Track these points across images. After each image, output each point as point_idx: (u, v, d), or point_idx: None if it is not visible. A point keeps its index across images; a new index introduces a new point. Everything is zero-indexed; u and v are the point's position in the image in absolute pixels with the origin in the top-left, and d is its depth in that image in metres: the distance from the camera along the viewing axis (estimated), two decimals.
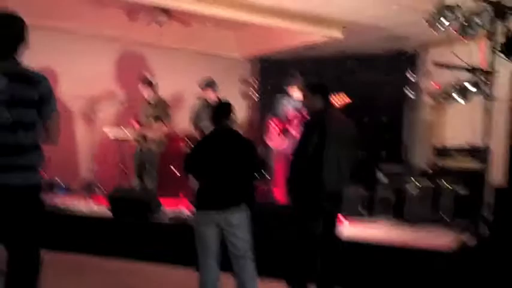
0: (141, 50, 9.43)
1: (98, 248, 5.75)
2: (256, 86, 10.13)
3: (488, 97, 4.47)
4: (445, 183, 6.77)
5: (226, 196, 4.14)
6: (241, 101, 10.47)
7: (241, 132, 4.52)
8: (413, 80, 7.90)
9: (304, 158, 4.15)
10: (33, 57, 8.83)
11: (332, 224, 4.43)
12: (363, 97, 9.32)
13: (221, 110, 4.41)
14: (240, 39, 9.93)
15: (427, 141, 8.59)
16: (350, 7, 7.22)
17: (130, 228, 5.81)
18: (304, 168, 4.16)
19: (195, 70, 8.92)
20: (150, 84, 7.02)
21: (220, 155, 4.19)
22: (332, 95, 7.05)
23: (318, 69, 9.48)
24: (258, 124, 8.63)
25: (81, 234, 5.89)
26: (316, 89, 4.33)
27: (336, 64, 9.41)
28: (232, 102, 10.11)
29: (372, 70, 9.21)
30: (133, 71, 8.76)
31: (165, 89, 9.24)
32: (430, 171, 7.29)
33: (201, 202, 4.21)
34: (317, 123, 4.22)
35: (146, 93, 7.07)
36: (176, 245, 5.45)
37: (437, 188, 6.85)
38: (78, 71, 8.75)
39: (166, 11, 8.19)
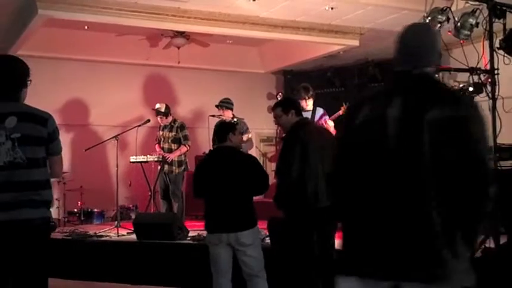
0: (163, 73, 9.65)
1: (122, 274, 5.87)
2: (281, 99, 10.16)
3: (490, 96, 4.29)
4: None
5: (235, 217, 4.08)
6: (269, 115, 10.53)
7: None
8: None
9: (286, 174, 4.02)
10: (66, 88, 9.20)
11: (327, 240, 4.18)
12: None
13: (220, 130, 4.38)
14: (262, 54, 10.00)
15: None
16: (363, 14, 7.19)
17: (152, 250, 5.90)
18: (288, 184, 4.01)
19: (218, 87, 9.02)
20: (159, 113, 7.18)
21: (221, 176, 4.13)
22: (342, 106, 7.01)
23: (340, 77, 9.40)
24: None
25: (106, 261, 6.03)
26: (289, 106, 4.25)
27: (358, 71, 9.29)
28: (259, 116, 10.13)
29: None
30: (158, 93, 8.99)
31: (189, 108, 9.46)
32: None
33: (211, 225, 4.20)
34: (295, 136, 4.11)
35: (160, 121, 7.27)
36: (196, 265, 5.47)
37: None
38: (108, 99, 9.08)
39: (184, 34, 8.38)
